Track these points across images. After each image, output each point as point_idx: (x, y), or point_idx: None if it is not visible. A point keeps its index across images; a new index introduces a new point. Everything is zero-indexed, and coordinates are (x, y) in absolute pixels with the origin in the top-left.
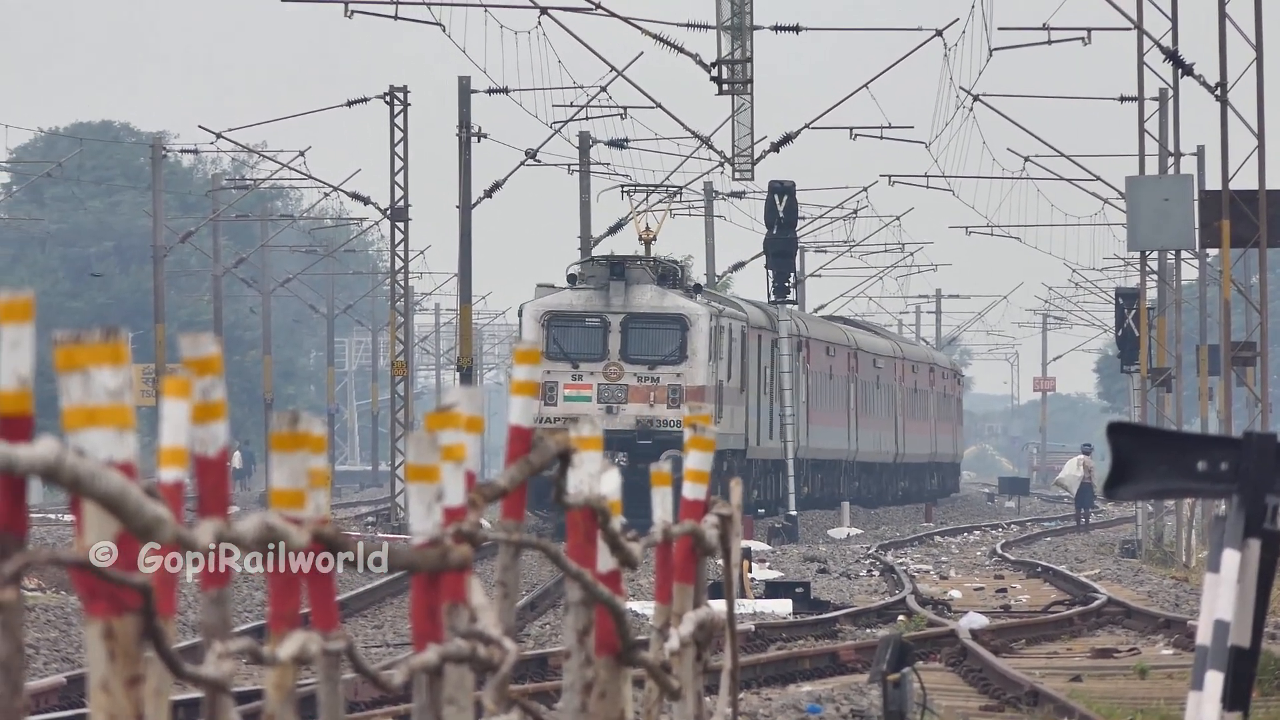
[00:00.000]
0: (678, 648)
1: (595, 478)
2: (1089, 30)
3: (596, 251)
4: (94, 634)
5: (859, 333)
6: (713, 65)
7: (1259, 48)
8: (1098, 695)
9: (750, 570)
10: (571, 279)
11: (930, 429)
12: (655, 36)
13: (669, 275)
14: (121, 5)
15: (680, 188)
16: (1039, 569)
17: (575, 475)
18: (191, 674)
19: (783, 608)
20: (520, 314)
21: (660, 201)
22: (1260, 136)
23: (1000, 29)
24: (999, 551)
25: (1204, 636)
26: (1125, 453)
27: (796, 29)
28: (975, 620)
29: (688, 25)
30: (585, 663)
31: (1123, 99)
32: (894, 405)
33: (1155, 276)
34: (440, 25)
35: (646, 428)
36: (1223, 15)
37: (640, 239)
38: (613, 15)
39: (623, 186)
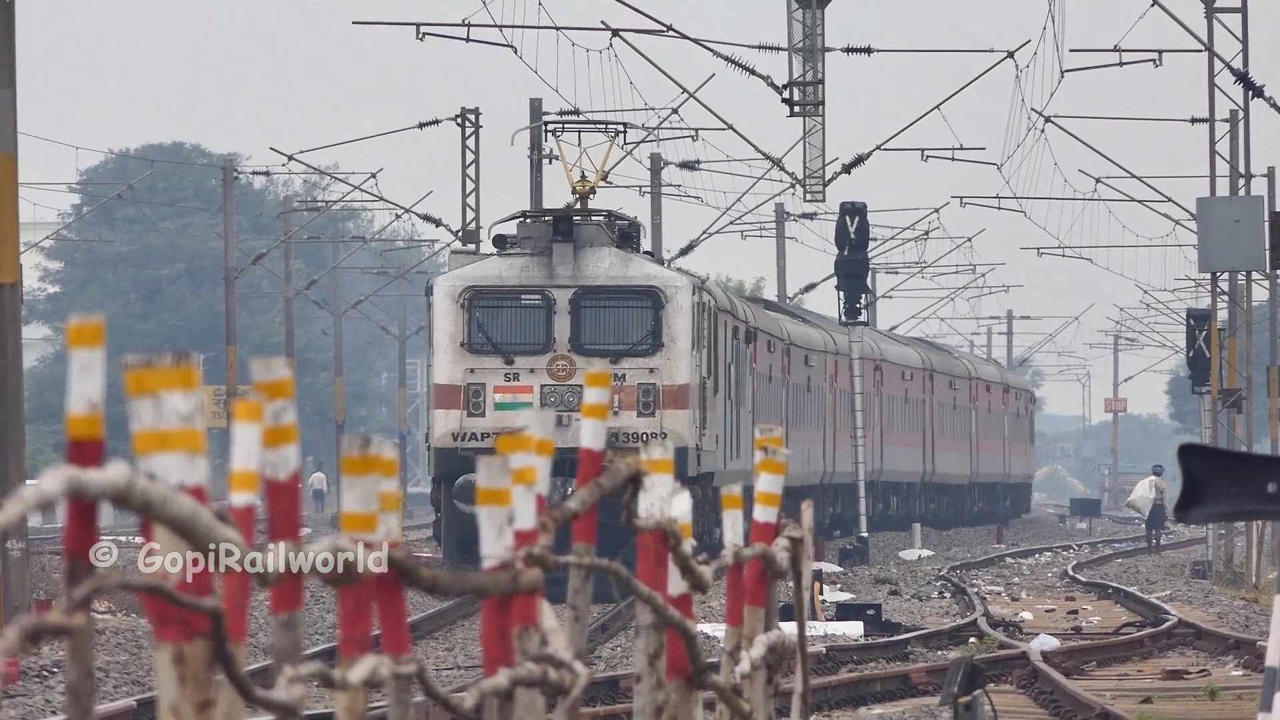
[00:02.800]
0: (748, 671)
1: (666, 500)
2: (1160, 52)
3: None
4: (164, 658)
5: (934, 354)
6: (784, 87)
7: None
8: (1168, 717)
9: (821, 592)
10: (500, 242)
11: (1003, 450)
12: (726, 58)
13: (633, 236)
14: (194, 27)
15: (623, 126)
16: (1110, 590)
17: (646, 498)
18: (262, 698)
19: (854, 630)
20: (429, 292)
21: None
22: None
23: (1071, 51)
24: (1070, 573)
25: (1274, 658)
26: (1196, 475)
27: (868, 51)
28: (1046, 642)
29: (759, 47)
30: (656, 686)
31: (1194, 120)
32: (969, 426)
33: (1226, 297)
34: (512, 47)
35: (610, 444)
36: None
37: (574, 191)
38: (684, 37)
39: (545, 124)
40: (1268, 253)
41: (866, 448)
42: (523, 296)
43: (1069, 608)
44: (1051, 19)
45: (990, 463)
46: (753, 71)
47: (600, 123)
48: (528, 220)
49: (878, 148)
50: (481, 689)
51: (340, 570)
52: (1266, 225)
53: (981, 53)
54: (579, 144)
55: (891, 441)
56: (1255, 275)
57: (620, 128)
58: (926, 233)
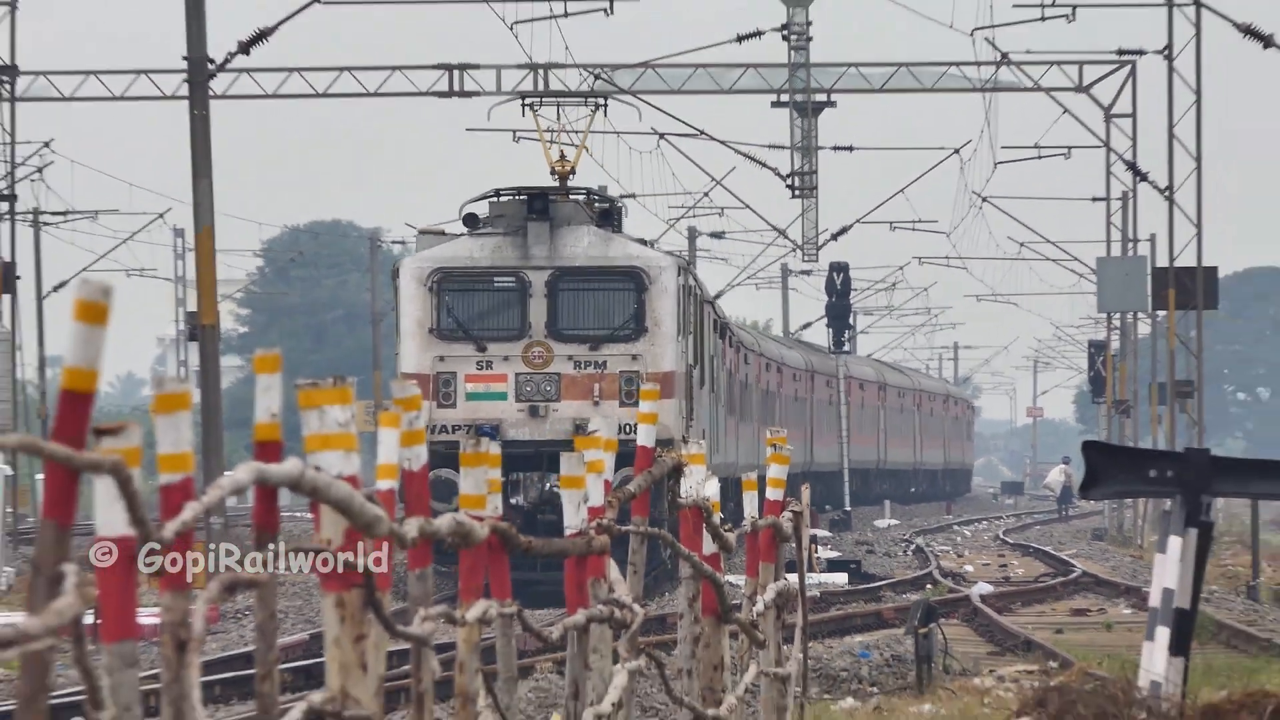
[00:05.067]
0: (763, 610)
1: (700, 484)
2: (1069, 148)
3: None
4: (329, 603)
5: (889, 373)
6: (788, 176)
7: (1198, 160)
8: (1075, 644)
9: (816, 552)
10: (470, 221)
11: (943, 444)
12: (744, 154)
13: (613, 215)
14: (349, 121)
15: (604, 100)
16: (1030, 549)
17: (686, 482)
18: (402, 632)
19: (840, 579)
20: (395, 275)
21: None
22: (1198, 227)
23: (1003, 147)
24: (1001, 537)
25: (1155, 600)
26: (1095, 464)
27: (850, 148)
28: (983, 588)
29: (769, 146)
30: (694, 621)
31: (1094, 199)
32: (913, 426)
33: (1118, 331)
34: (586, 149)
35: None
36: (1170, 136)
37: (553, 171)
38: (713, 139)
39: (523, 96)
40: (1149, 298)
41: (841, 444)
42: (495, 279)
43: (1000, 562)
44: (987, 123)
45: (931, 454)
46: (764, 165)
47: (582, 93)
48: (500, 198)
49: (858, 221)
50: (565, 624)
51: (460, 538)
52: (1149, 278)
53: (935, 149)
54: (558, 120)
55: (856, 440)
56: (1140, 315)
57: (601, 100)
58: (894, 284)
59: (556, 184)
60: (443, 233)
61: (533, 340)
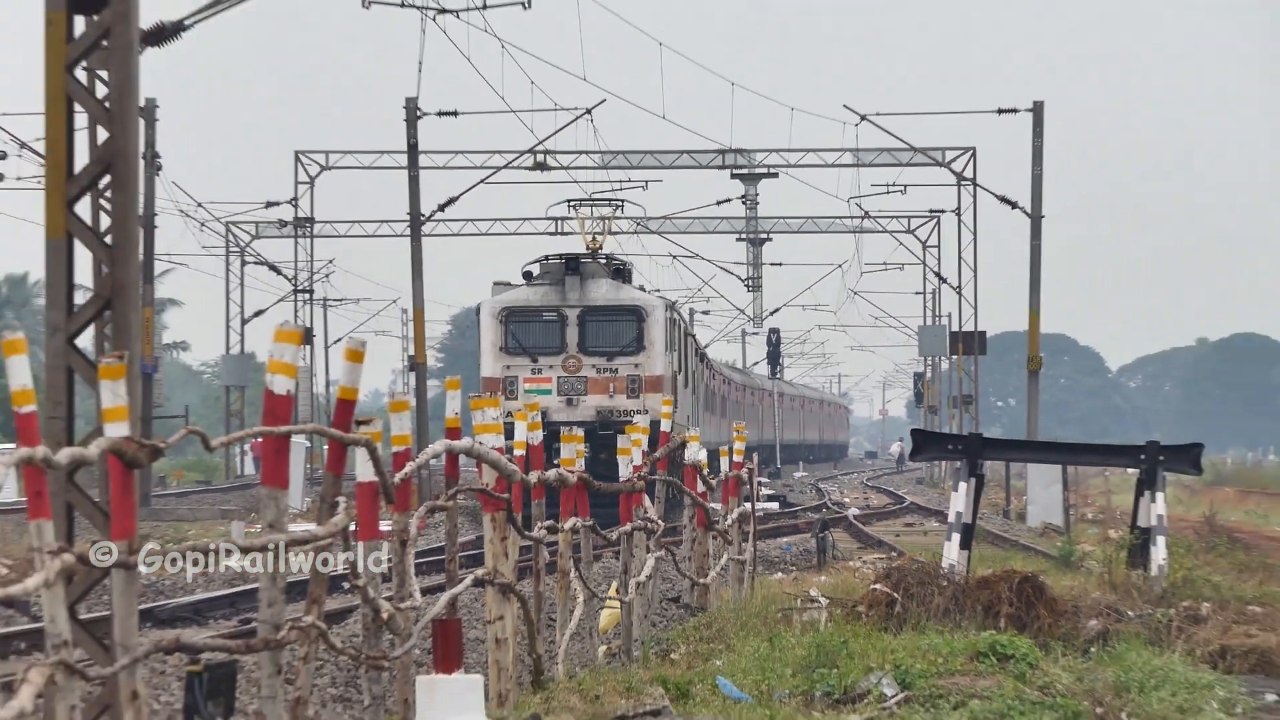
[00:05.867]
0: (731, 522)
1: (696, 453)
2: (903, 264)
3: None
4: (487, 520)
5: (802, 389)
6: (745, 280)
7: (975, 270)
8: (906, 543)
9: (760, 490)
10: (528, 276)
11: (819, 430)
12: (721, 268)
13: (622, 271)
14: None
15: (621, 202)
16: (881, 489)
17: (689, 451)
18: (528, 536)
19: (774, 506)
20: (478, 312)
21: (604, 217)
22: (975, 310)
23: (866, 263)
24: (865, 483)
25: (951, 518)
26: (918, 441)
27: (780, 264)
28: (855, 511)
29: (735, 262)
30: (692, 530)
31: (917, 292)
32: (800, 419)
33: (931, 367)
34: (610, 233)
35: (607, 418)
36: (959, 258)
37: (588, 248)
38: (705, 259)
39: (569, 200)
40: (947, 348)
41: (775, 430)
42: (543, 314)
43: (864, 497)
44: (856, 250)
45: (825, 436)
46: (731, 272)
47: (605, 199)
48: (548, 261)
49: (784, 305)
50: (620, 531)
51: (561, 482)
52: (948, 338)
53: (829, 265)
54: (591, 214)
55: (783, 428)
56: (943, 358)
57: (620, 203)
58: (804, 340)
59: (589, 252)
60: (509, 284)
61: (568, 355)
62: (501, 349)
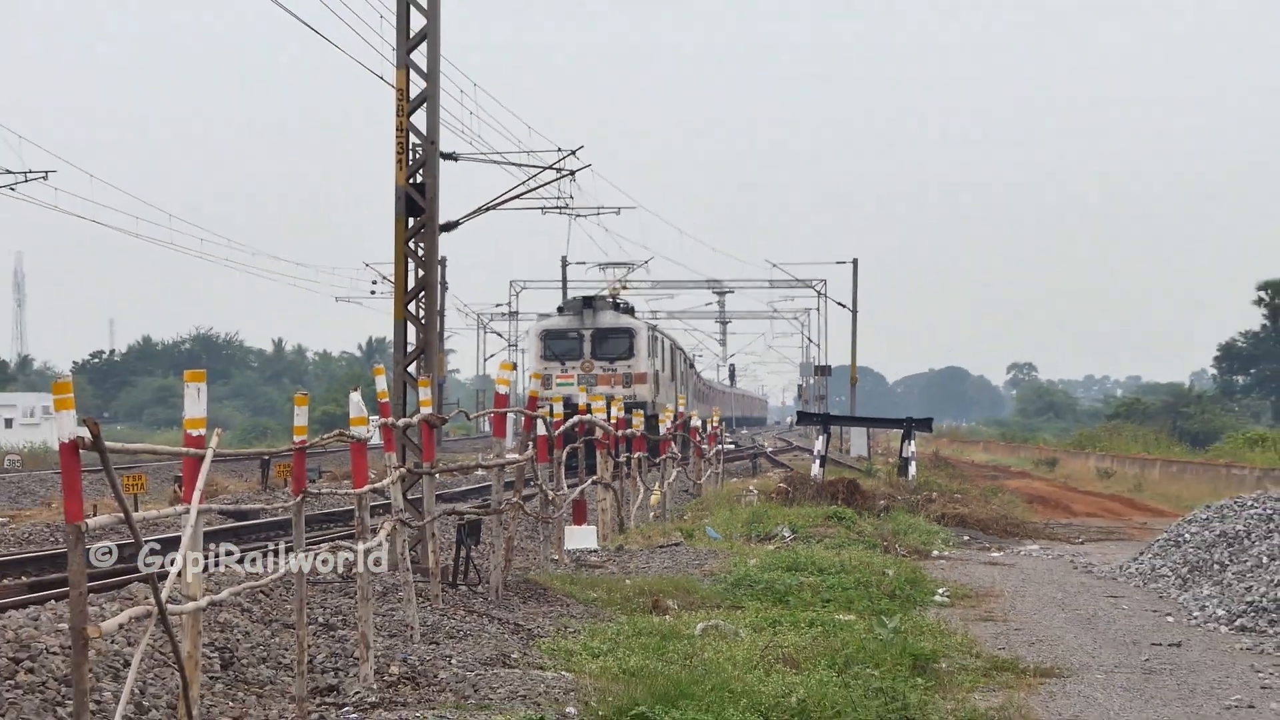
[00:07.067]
0: (712, 454)
1: (671, 429)
2: (793, 333)
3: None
4: (600, 453)
5: (736, 389)
6: (719, 339)
7: (825, 334)
8: (796, 465)
9: (724, 439)
10: (560, 309)
11: (752, 410)
12: (706, 333)
13: (620, 306)
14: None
15: (643, 262)
16: (783, 439)
17: (693, 421)
18: (617, 461)
19: (731, 447)
20: (528, 334)
21: (621, 277)
22: (824, 354)
23: (776, 333)
24: (775, 437)
25: (815, 453)
26: (801, 416)
27: (735, 333)
28: (770, 449)
29: (713, 335)
30: (693, 458)
31: (798, 346)
32: (743, 404)
33: (806, 382)
34: (625, 286)
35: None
36: (820, 328)
37: (610, 295)
38: (698, 330)
39: (600, 264)
40: (813, 372)
41: (729, 410)
42: (569, 334)
43: (774, 443)
44: (770, 324)
45: (749, 413)
46: (711, 336)
47: (625, 263)
48: (574, 300)
49: (737, 352)
50: (662, 458)
51: (631, 435)
52: (814, 368)
53: (759, 333)
54: (613, 271)
55: (736, 410)
56: (811, 377)
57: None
58: (747, 368)
59: (608, 295)
60: (549, 315)
61: (585, 360)
62: (541, 356)
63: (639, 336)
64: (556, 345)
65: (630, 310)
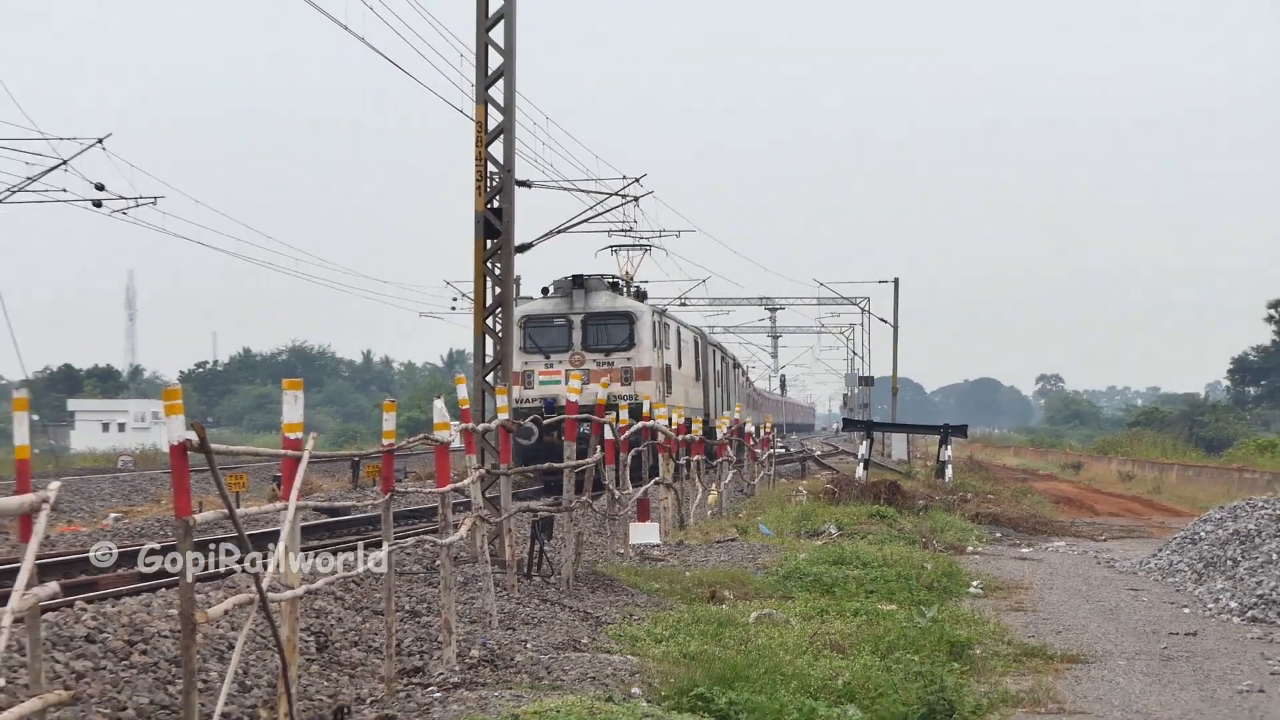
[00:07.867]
0: (765, 457)
1: (749, 425)
2: (839, 345)
3: None
4: (662, 455)
5: (787, 398)
6: (771, 353)
7: (868, 348)
8: (842, 468)
9: (776, 443)
10: (544, 291)
11: (800, 418)
12: (759, 347)
13: (619, 285)
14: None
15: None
16: (829, 444)
17: (747, 427)
18: (677, 464)
19: (782, 451)
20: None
21: (633, 255)
22: (867, 365)
23: (824, 346)
24: (823, 441)
25: (859, 457)
26: (847, 423)
27: (785, 346)
28: (817, 452)
29: (765, 349)
30: (747, 460)
31: (844, 359)
32: (792, 412)
33: (851, 391)
34: (633, 271)
35: (606, 402)
36: (864, 342)
37: (624, 276)
38: (752, 344)
39: (612, 247)
40: (858, 382)
41: (780, 417)
42: (555, 320)
43: (825, 447)
44: (819, 339)
45: (797, 420)
46: (762, 349)
47: (638, 245)
48: (563, 279)
49: (788, 364)
50: (718, 460)
51: (690, 438)
52: (857, 378)
53: (807, 346)
54: (628, 254)
55: (789, 417)
56: (855, 387)
57: (648, 245)
58: (797, 379)
59: (623, 277)
60: (531, 298)
61: (574, 352)
62: (521, 349)
63: (640, 322)
64: (540, 334)
65: (642, 295)
